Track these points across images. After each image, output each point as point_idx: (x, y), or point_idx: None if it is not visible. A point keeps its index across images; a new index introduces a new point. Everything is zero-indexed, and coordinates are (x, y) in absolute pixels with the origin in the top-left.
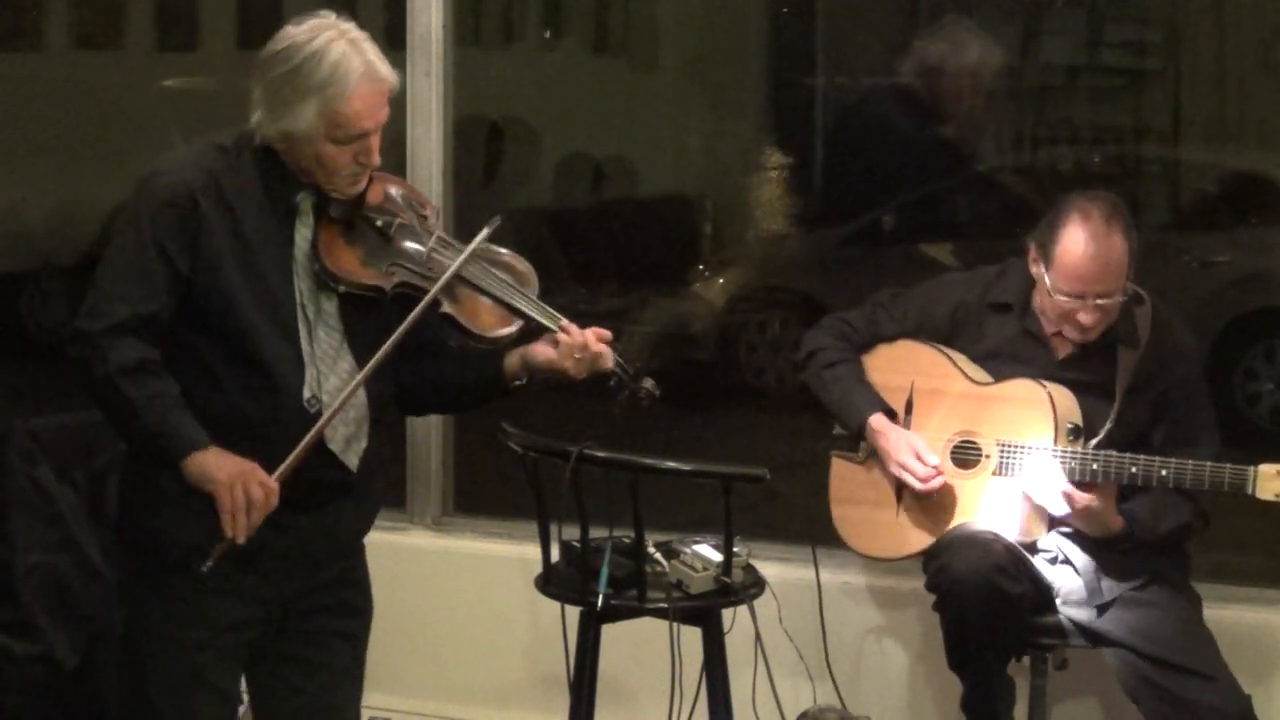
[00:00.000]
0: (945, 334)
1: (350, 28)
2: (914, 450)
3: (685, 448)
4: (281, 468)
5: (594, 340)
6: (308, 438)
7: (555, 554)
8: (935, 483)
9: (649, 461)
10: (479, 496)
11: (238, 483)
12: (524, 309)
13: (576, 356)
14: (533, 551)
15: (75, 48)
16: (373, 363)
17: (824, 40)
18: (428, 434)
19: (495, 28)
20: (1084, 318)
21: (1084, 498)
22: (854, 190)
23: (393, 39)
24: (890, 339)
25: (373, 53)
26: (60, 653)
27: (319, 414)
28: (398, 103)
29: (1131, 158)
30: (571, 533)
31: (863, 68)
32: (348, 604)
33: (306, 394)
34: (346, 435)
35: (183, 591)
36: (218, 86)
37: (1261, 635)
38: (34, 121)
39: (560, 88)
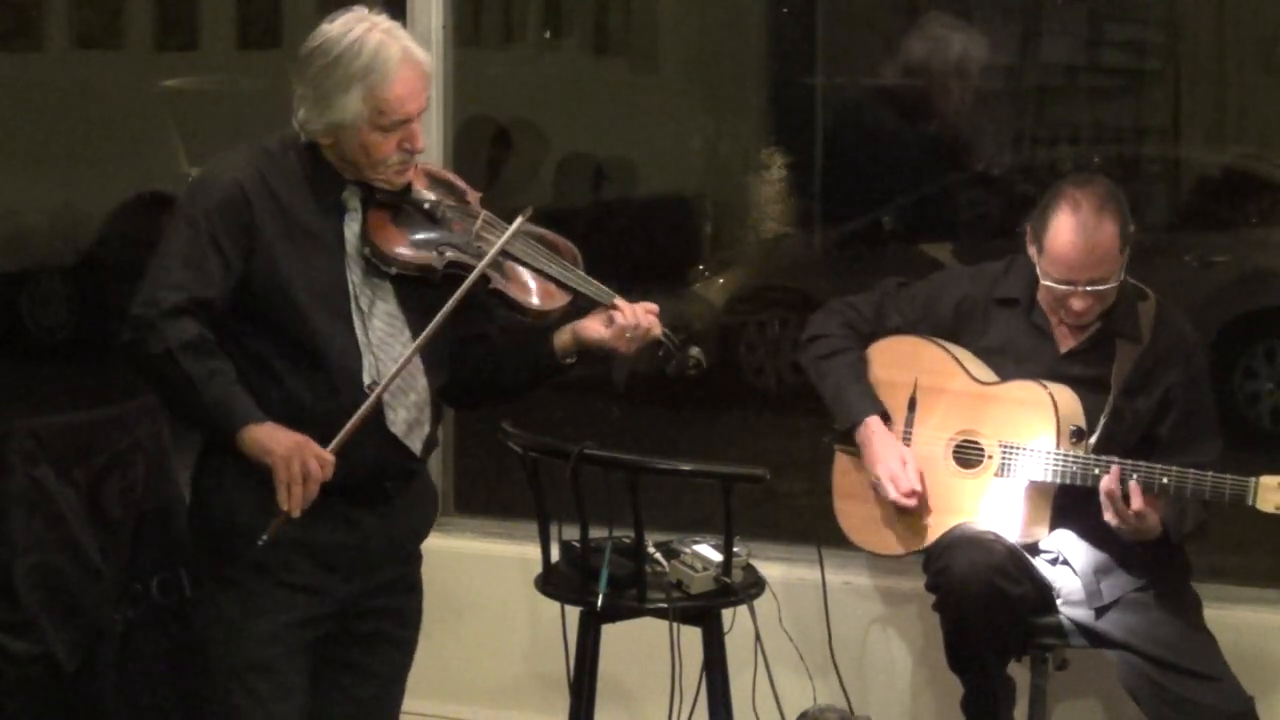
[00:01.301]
0: (949, 328)
1: (382, 18)
2: (903, 459)
3: (685, 448)
4: (338, 438)
5: (645, 317)
6: (365, 406)
7: (555, 554)
8: (911, 500)
9: (649, 461)
10: (479, 496)
11: (294, 456)
12: (572, 284)
13: (629, 336)
14: (533, 551)
15: (75, 48)
16: (428, 331)
17: (824, 40)
18: None
19: (495, 27)
20: (1075, 304)
21: (1138, 503)
22: (854, 190)
23: None
24: (895, 331)
25: (407, 39)
26: (60, 653)
27: (380, 399)
28: None
29: (1131, 158)
30: (571, 533)
31: (863, 68)
32: (404, 611)
33: (367, 380)
34: (408, 420)
35: (253, 586)
36: (218, 86)
37: (1262, 636)
38: (34, 121)
39: (560, 88)
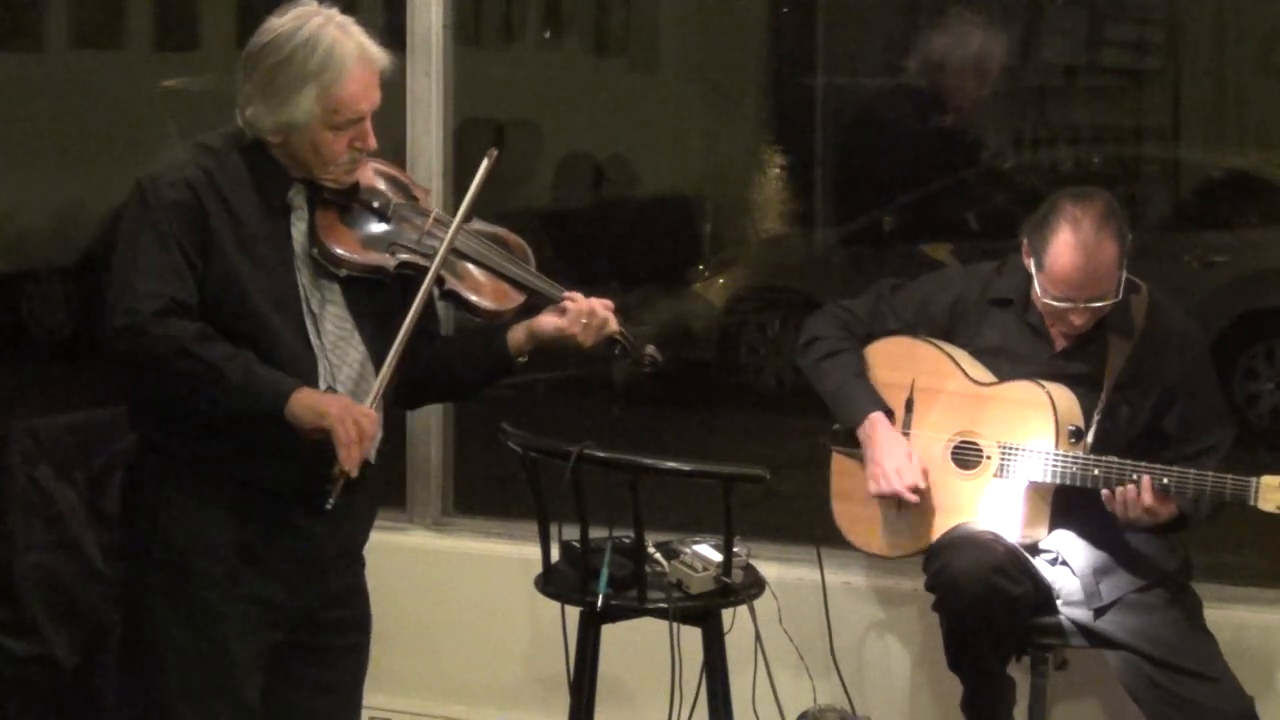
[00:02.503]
0: (944, 328)
1: (334, 12)
2: (908, 454)
3: (685, 448)
4: (372, 396)
5: (600, 306)
6: (384, 372)
7: (555, 554)
8: (914, 496)
9: (649, 461)
10: (479, 496)
11: (347, 415)
12: (526, 282)
13: (584, 322)
14: (533, 551)
15: (75, 48)
16: (399, 341)
17: (824, 40)
18: (428, 434)
19: (495, 28)
20: (1075, 320)
21: (1149, 498)
22: (854, 190)
23: (393, 39)
24: (891, 332)
25: (361, 35)
26: (60, 653)
27: None
28: (398, 103)
29: (1131, 158)
30: (571, 533)
31: (862, 68)
32: (354, 618)
33: (322, 385)
34: None
35: (202, 601)
36: (218, 86)
37: (1261, 635)
38: (34, 121)
39: (560, 88)
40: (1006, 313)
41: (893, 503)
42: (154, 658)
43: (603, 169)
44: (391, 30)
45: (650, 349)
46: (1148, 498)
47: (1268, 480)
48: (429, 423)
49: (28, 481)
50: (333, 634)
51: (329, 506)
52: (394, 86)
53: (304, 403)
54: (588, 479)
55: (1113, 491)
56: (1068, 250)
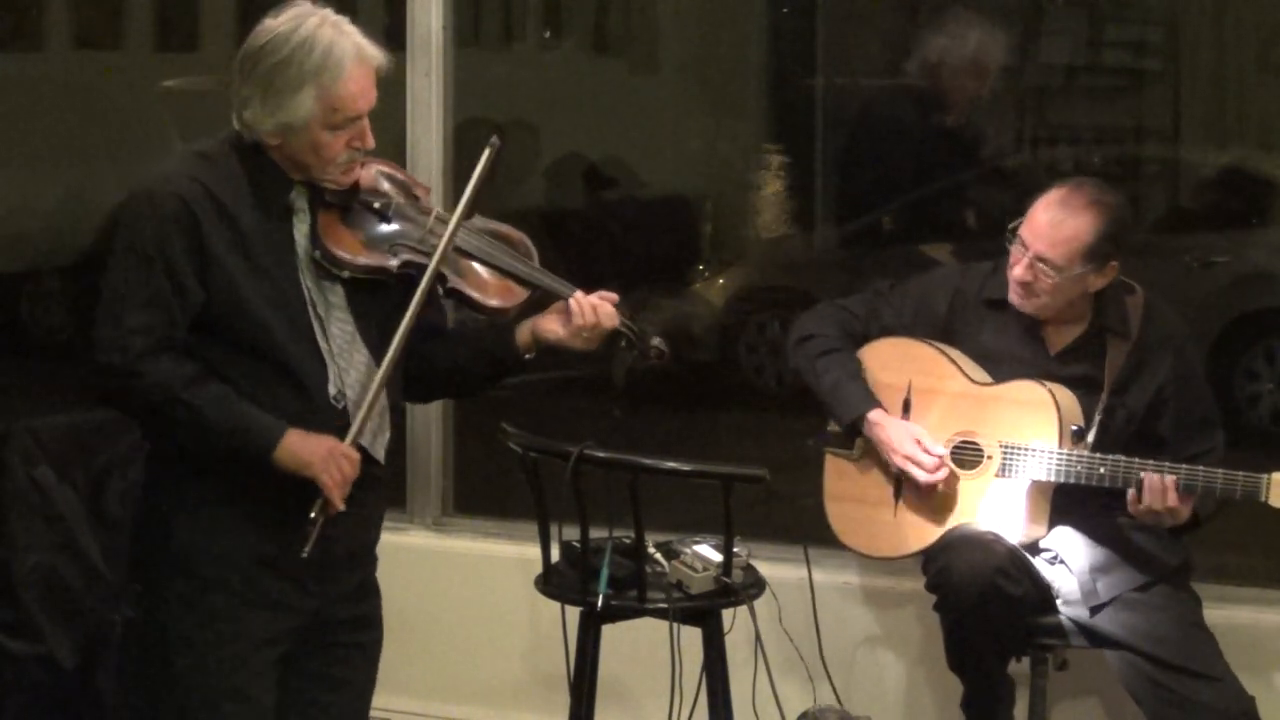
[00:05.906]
0: (942, 325)
1: (329, 12)
2: (917, 440)
3: (685, 448)
4: (352, 432)
5: (602, 309)
6: (369, 398)
7: (555, 554)
8: (941, 473)
9: (649, 461)
10: (479, 496)
11: (331, 460)
12: (529, 278)
13: (585, 336)
14: (533, 551)
15: (75, 48)
16: (396, 342)
17: (824, 40)
18: (428, 434)
19: (495, 28)
20: (1018, 270)
21: (1173, 498)
22: (854, 190)
23: (393, 39)
24: (888, 330)
25: (357, 34)
26: (60, 653)
27: (345, 410)
28: (398, 103)
29: (1131, 158)
30: (571, 533)
31: (862, 68)
32: (367, 616)
33: (332, 391)
34: (372, 428)
35: (219, 608)
36: (217, 86)
37: (1261, 635)
38: (34, 121)
39: (560, 88)
40: (1002, 315)
41: (909, 493)
42: (169, 664)
43: (602, 169)
44: (391, 30)
45: (657, 341)
46: (1172, 498)
47: (1277, 477)
48: (429, 422)
49: (28, 481)
50: (345, 631)
51: (305, 554)
52: (394, 86)
53: (290, 450)
54: (588, 479)
55: (1139, 492)
56: (1052, 198)
